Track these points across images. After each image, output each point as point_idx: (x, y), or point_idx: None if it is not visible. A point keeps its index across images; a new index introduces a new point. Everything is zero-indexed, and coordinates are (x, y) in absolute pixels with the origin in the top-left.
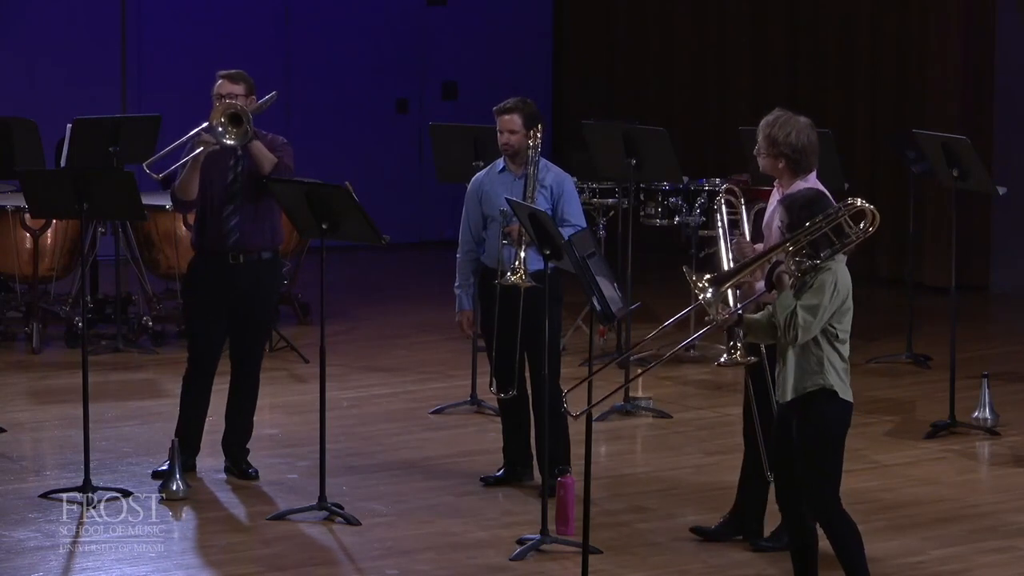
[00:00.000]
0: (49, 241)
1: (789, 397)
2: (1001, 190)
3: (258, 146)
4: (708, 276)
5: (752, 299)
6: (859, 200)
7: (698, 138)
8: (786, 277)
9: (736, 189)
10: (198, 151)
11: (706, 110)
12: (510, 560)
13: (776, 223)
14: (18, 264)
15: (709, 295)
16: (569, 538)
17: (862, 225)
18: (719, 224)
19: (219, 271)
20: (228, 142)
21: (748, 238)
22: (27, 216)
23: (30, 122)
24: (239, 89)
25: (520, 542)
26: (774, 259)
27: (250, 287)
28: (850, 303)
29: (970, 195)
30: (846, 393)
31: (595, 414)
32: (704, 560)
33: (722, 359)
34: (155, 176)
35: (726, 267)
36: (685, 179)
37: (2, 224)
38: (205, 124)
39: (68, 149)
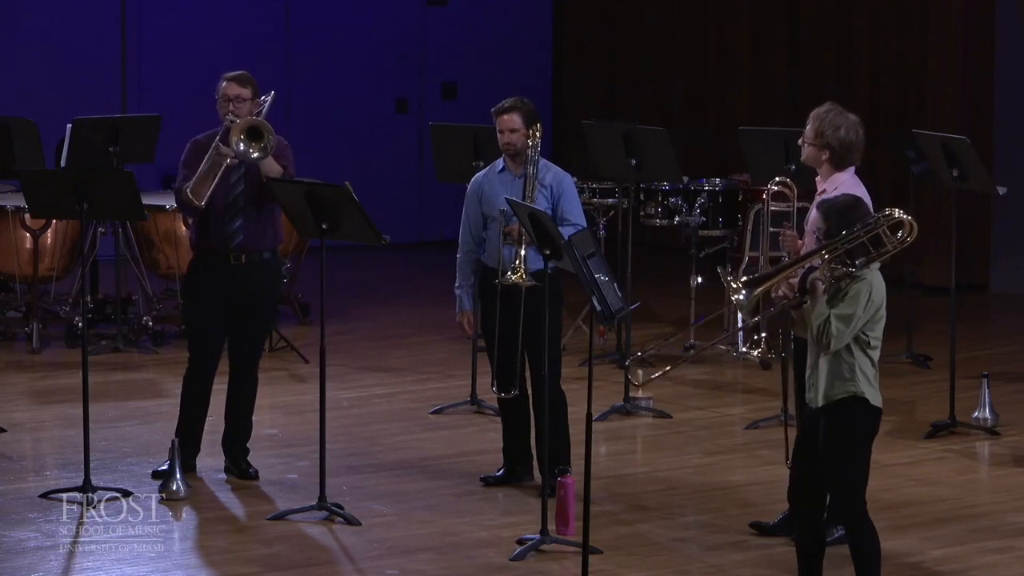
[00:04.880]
0: (49, 241)
1: (820, 403)
2: (1001, 190)
3: (267, 158)
4: (744, 278)
5: (778, 307)
6: (897, 211)
7: (698, 138)
8: (820, 284)
9: (789, 181)
10: (221, 166)
11: (706, 110)
12: (510, 560)
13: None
14: (18, 264)
15: (742, 297)
16: (569, 538)
17: (900, 235)
18: (765, 215)
19: (220, 271)
20: (253, 156)
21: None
22: (27, 216)
23: (30, 122)
24: (246, 92)
25: (520, 542)
26: (808, 265)
27: (251, 287)
28: (884, 312)
29: (970, 195)
30: (876, 399)
31: (594, 414)
32: (704, 560)
33: (743, 348)
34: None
35: (763, 259)
36: (685, 179)
37: (2, 224)
38: (221, 135)
39: (68, 149)
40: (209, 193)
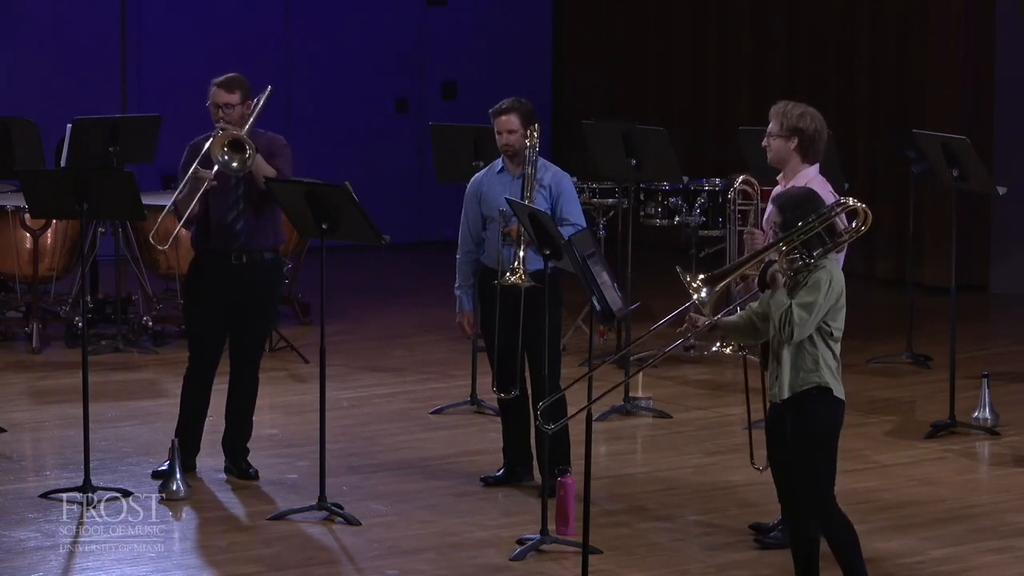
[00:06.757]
0: (49, 241)
1: (785, 396)
2: (1001, 190)
3: (258, 160)
4: (702, 276)
5: (744, 299)
6: (851, 199)
7: (698, 138)
8: (780, 276)
9: (753, 180)
10: (200, 190)
11: (706, 110)
12: (510, 560)
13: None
14: (18, 264)
15: (704, 295)
16: (569, 538)
17: (854, 224)
18: (732, 215)
19: (221, 271)
20: (235, 166)
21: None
22: (27, 216)
23: (30, 122)
24: (235, 98)
25: (520, 542)
26: (767, 258)
27: (252, 287)
28: (844, 301)
29: (970, 195)
30: (839, 391)
31: (594, 414)
32: (704, 560)
33: (714, 348)
34: (188, 230)
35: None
36: (685, 179)
37: (2, 224)
38: (205, 151)
39: (68, 149)
40: (197, 207)
